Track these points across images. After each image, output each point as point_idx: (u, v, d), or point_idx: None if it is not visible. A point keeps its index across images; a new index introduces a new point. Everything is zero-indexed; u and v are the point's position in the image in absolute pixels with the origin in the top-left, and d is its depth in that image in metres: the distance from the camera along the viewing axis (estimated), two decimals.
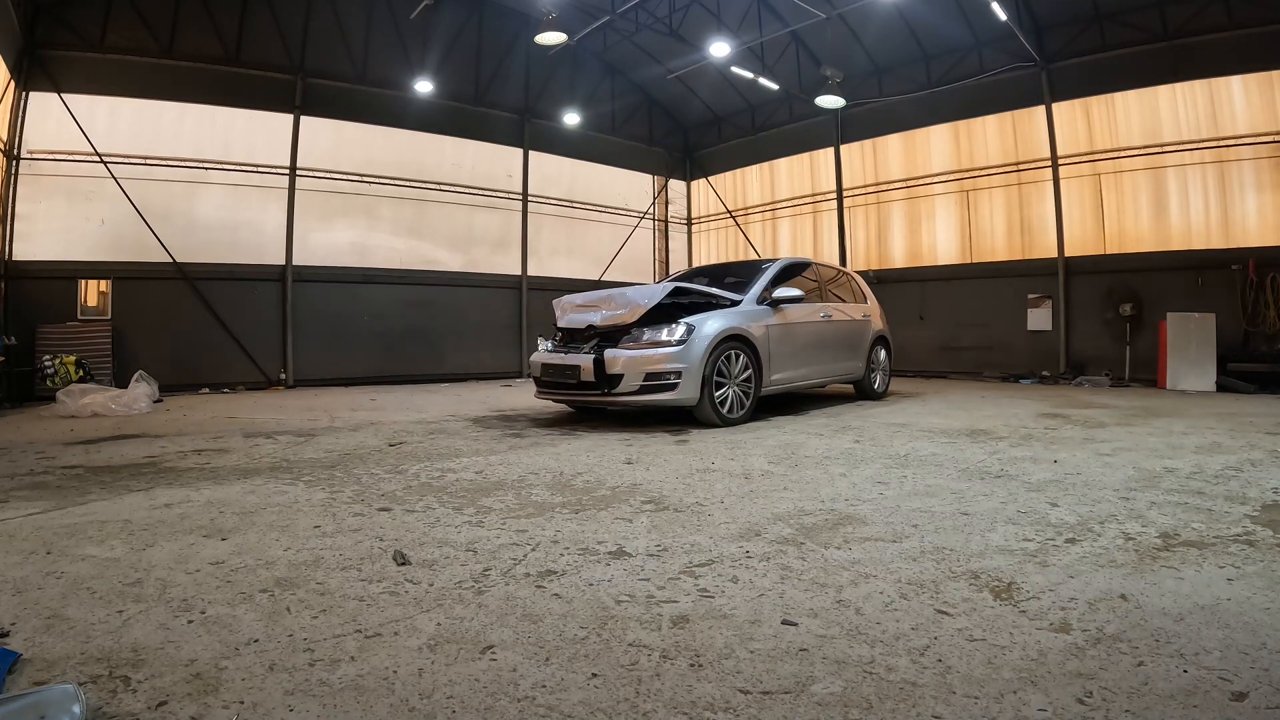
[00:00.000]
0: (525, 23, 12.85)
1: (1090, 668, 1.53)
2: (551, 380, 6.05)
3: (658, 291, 5.87)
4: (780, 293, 6.41)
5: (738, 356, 5.85)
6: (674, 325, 5.64)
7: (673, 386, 5.46)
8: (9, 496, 3.33)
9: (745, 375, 5.92)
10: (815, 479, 3.61)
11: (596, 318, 5.94)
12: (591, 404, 6.16)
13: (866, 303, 8.14)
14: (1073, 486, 3.36)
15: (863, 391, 7.93)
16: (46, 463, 4.28)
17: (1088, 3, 10.40)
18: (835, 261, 14.01)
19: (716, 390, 5.70)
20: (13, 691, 1.41)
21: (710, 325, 5.69)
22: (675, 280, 7.04)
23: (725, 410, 5.75)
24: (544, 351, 6.29)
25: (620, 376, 5.53)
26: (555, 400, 6.49)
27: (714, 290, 6.28)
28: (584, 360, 5.70)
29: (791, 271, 7.01)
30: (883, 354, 8.15)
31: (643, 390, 5.50)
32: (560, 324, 6.30)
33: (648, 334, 5.66)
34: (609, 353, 5.63)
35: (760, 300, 6.32)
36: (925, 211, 12.90)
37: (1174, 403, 7.49)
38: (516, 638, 1.71)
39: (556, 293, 7.18)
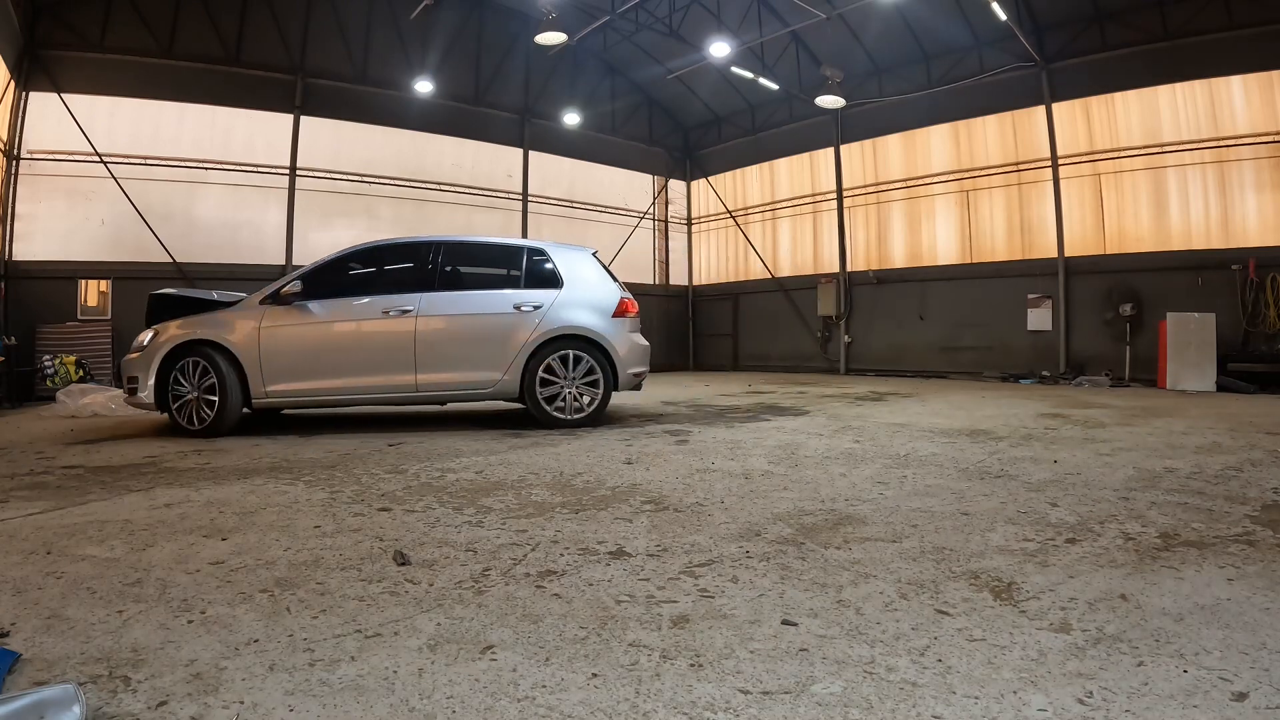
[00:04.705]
0: (525, 23, 12.85)
1: (1090, 668, 1.53)
2: None
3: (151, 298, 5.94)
4: (285, 287, 5.55)
5: (198, 365, 5.40)
6: (149, 331, 5.68)
7: (136, 390, 5.51)
8: (9, 496, 3.33)
9: (209, 384, 5.39)
10: (815, 479, 3.61)
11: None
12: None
13: (559, 287, 5.87)
14: (1073, 486, 3.36)
15: (537, 417, 5.76)
16: (46, 463, 4.28)
17: (1088, 3, 10.41)
18: (835, 261, 14.02)
19: (176, 398, 5.45)
20: (13, 691, 1.40)
21: (167, 330, 5.55)
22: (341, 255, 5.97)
23: (190, 421, 5.41)
24: None
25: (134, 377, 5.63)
26: None
27: (208, 295, 6.08)
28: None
29: (367, 259, 5.99)
30: (577, 361, 5.75)
31: (127, 391, 5.60)
32: None
33: (139, 337, 5.68)
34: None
35: (267, 298, 5.56)
36: (925, 211, 12.90)
37: (1174, 403, 7.48)
38: (516, 638, 1.71)
39: None
